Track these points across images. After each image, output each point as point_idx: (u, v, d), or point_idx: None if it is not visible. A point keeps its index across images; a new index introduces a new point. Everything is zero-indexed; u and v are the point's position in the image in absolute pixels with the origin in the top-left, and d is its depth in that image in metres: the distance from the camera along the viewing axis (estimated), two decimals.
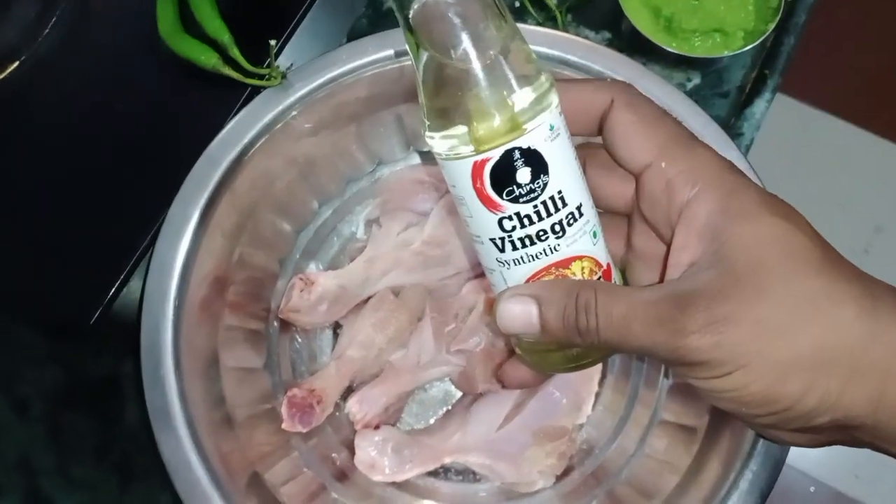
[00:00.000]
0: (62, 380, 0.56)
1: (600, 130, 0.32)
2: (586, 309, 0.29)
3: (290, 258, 0.55)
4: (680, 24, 0.57)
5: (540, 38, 0.47)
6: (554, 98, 0.29)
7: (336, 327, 0.56)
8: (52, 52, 0.53)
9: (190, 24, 0.49)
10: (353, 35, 0.61)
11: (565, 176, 0.29)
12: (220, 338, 0.49)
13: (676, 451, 0.48)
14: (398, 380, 0.52)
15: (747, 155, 0.57)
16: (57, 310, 0.51)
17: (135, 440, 0.55)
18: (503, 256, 0.30)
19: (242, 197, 0.49)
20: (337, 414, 0.53)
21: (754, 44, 0.55)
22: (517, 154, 0.28)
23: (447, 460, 0.52)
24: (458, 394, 0.55)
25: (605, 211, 0.34)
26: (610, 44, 0.61)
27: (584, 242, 0.30)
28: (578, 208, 0.29)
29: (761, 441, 0.43)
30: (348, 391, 0.53)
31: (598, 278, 0.31)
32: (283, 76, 0.47)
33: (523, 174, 0.28)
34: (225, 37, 0.47)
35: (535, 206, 0.29)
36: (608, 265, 0.31)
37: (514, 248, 0.29)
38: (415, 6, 0.28)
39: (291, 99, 0.47)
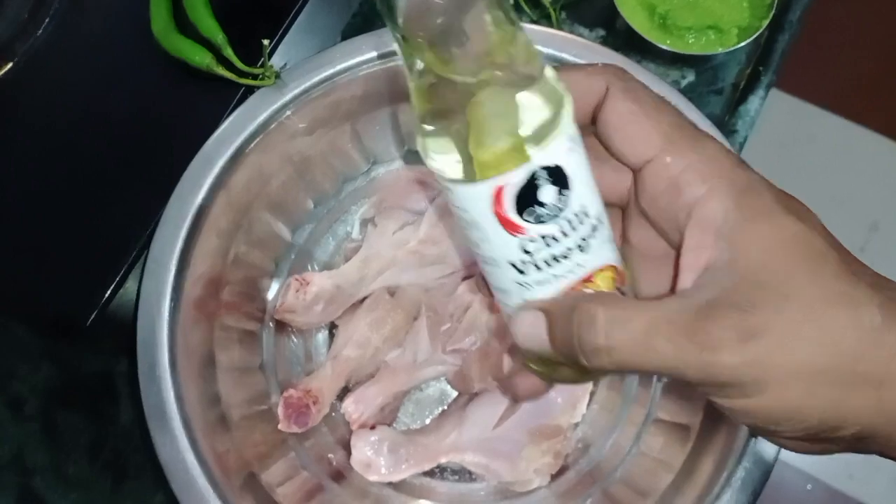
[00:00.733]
0: (57, 378, 0.56)
1: (593, 120, 0.29)
2: (591, 327, 0.26)
3: (286, 258, 0.55)
4: (675, 22, 0.57)
5: (534, 36, 0.47)
6: (568, 103, 0.26)
7: (332, 327, 0.56)
8: (45, 51, 0.53)
9: (183, 24, 0.49)
10: (348, 33, 0.61)
11: (585, 186, 0.27)
12: (215, 338, 0.49)
13: (671, 450, 0.48)
14: (394, 379, 0.52)
15: (742, 152, 0.57)
16: (53, 310, 0.51)
17: (129, 439, 0.55)
18: (524, 279, 0.28)
19: (237, 196, 0.49)
20: (333, 414, 0.53)
21: (748, 40, 0.55)
22: (539, 173, 0.25)
23: (443, 460, 0.52)
24: (454, 393, 0.55)
25: None
26: (604, 41, 0.61)
27: (606, 251, 0.28)
28: (598, 217, 0.27)
29: (753, 440, 0.43)
30: (344, 391, 0.53)
31: (618, 289, 0.29)
32: (278, 76, 0.47)
33: (547, 193, 0.26)
34: (218, 36, 0.47)
35: (560, 225, 0.26)
36: (622, 269, 0.29)
37: (538, 269, 0.27)
38: (402, 4, 0.25)
39: (286, 98, 0.47)
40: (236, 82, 0.47)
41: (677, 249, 0.28)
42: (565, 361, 0.28)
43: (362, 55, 0.48)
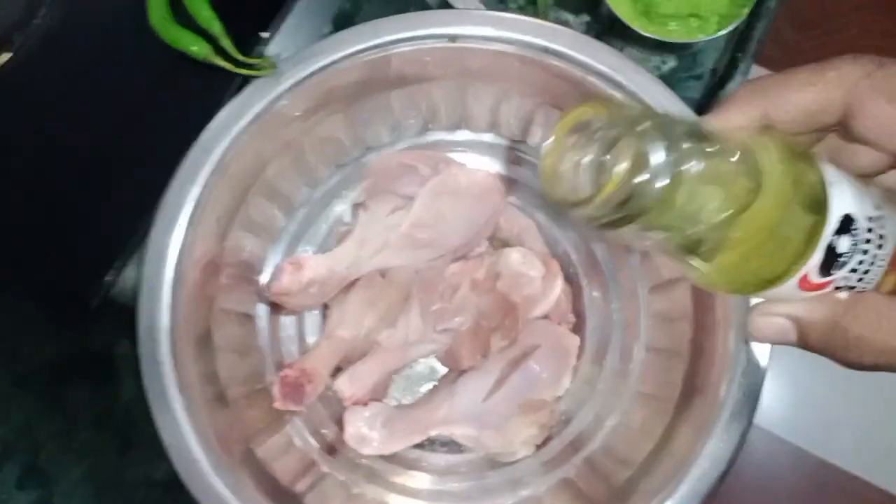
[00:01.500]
0: (62, 355, 0.58)
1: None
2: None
3: (280, 242, 0.57)
4: (657, 9, 0.58)
5: (526, 28, 0.48)
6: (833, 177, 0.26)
7: (325, 308, 0.58)
8: (44, 42, 0.53)
9: (181, 15, 0.49)
10: (338, 19, 0.62)
11: (860, 203, 0.26)
12: (213, 320, 0.51)
13: (650, 421, 0.51)
14: (386, 358, 0.54)
15: None
16: (60, 290, 0.53)
17: (130, 415, 0.57)
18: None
19: (235, 182, 0.50)
20: (327, 391, 0.56)
21: (729, 28, 0.57)
22: (833, 240, 0.26)
23: (433, 433, 0.54)
24: (444, 370, 0.58)
25: None
26: (589, 27, 0.62)
27: (892, 229, 0.28)
28: (871, 217, 0.27)
29: (729, 409, 0.45)
30: (337, 369, 0.55)
31: None
32: (274, 66, 0.48)
33: (843, 244, 0.26)
34: (216, 27, 0.48)
35: (860, 251, 0.27)
36: None
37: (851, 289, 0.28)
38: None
39: (282, 87, 0.48)
40: (233, 72, 0.48)
41: None
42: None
43: (355, 45, 0.49)
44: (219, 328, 0.51)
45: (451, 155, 0.58)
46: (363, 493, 0.54)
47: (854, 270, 0.27)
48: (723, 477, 0.45)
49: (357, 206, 0.57)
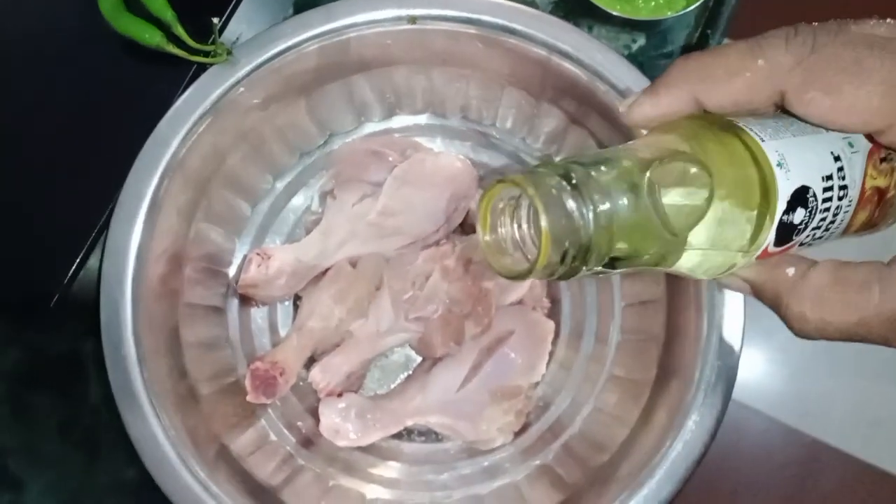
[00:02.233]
0: (24, 360, 0.56)
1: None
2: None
3: (247, 233, 0.56)
4: None
5: (484, 7, 0.47)
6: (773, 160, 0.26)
7: (296, 299, 0.57)
8: None
9: (132, 2, 0.48)
10: (301, 2, 0.60)
11: (813, 168, 0.27)
12: (180, 314, 0.50)
13: (626, 405, 0.50)
14: (359, 348, 0.53)
15: None
16: (15, 293, 0.52)
17: (99, 416, 0.56)
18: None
19: (194, 174, 0.49)
20: (300, 383, 0.55)
21: (697, 4, 0.56)
22: (783, 218, 0.26)
23: (409, 422, 0.53)
24: (419, 358, 0.57)
25: None
26: (557, 6, 0.61)
27: (858, 170, 0.28)
28: (829, 176, 0.27)
29: (704, 391, 0.45)
30: (311, 361, 0.55)
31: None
32: (229, 52, 0.46)
33: (798, 217, 0.27)
34: (168, 14, 0.46)
35: (818, 213, 0.27)
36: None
37: (817, 239, 0.28)
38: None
39: (239, 74, 0.47)
40: (188, 60, 0.47)
41: None
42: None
43: (313, 29, 0.47)
44: (186, 322, 0.51)
45: (420, 140, 0.57)
46: (340, 485, 0.53)
47: (816, 228, 0.27)
48: (700, 458, 0.45)
49: (324, 195, 0.56)
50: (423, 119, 0.57)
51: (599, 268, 0.25)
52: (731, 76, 0.26)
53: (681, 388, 0.46)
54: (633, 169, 0.25)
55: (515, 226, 0.26)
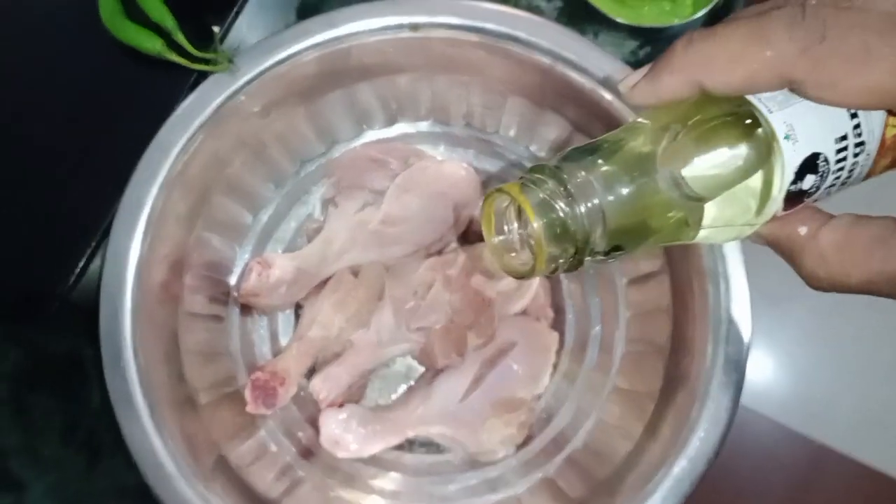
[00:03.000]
0: (26, 362, 0.56)
1: None
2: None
3: (248, 241, 0.55)
4: None
5: (486, 15, 0.47)
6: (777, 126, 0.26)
7: (297, 307, 0.56)
8: None
9: (133, 9, 0.48)
10: (303, 9, 0.60)
11: (821, 137, 0.26)
12: (180, 323, 0.50)
13: (630, 418, 0.49)
14: (360, 358, 0.52)
15: None
16: (17, 297, 0.52)
17: (101, 420, 0.56)
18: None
19: (195, 182, 0.49)
20: (301, 393, 0.54)
21: (703, 11, 0.55)
22: (793, 184, 0.26)
23: (411, 433, 0.53)
24: (421, 369, 0.56)
25: None
26: (562, 12, 0.60)
27: (877, 122, 0.27)
28: (843, 136, 0.26)
29: (708, 407, 0.44)
30: (311, 370, 0.54)
31: None
32: (230, 60, 0.46)
33: (808, 183, 0.26)
34: (169, 21, 0.46)
35: (831, 174, 0.27)
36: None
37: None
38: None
39: (240, 82, 0.47)
40: (189, 68, 0.46)
41: None
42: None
43: (315, 37, 0.47)
44: (186, 331, 0.50)
45: (422, 147, 0.56)
46: (341, 497, 0.52)
47: (831, 186, 0.27)
48: (704, 474, 0.44)
49: (326, 202, 0.56)
50: (425, 126, 0.56)
51: (605, 255, 0.26)
52: (734, 64, 0.25)
53: (686, 401, 0.45)
54: (641, 148, 0.26)
55: (519, 226, 0.27)
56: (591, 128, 0.50)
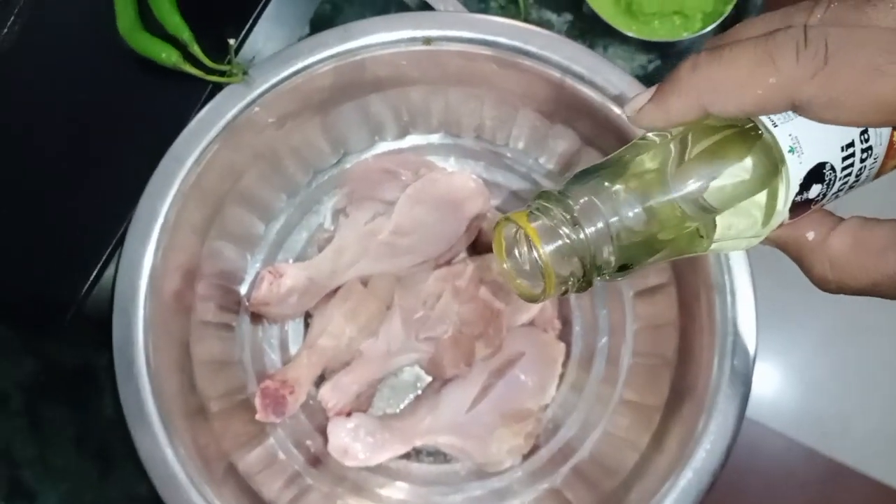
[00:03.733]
0: (40, 373, 0.57)
1: None
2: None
3: (260, 250, 0.56)
4: (640, 7, 0.57)
5: (499, 29, 0.47)
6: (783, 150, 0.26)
7: (307, 316, 0.57)
8: (11, 52, 0.53)
9: (150, 21, 0.48)
10: (317, 20, 0.61)
11: (827, 147, 0.26)
12: (191, 332, 0.50)
13: (637, 429, 0.50)
14: (369, 367, 0.53)
15: None
16: (32, 307, 0.52)
17: (113, 429, 0.56)
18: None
19: (209, 192, 0.49)
20: (310, 401, 0.55)
21: (713, 25, 0.56)
22: (797, 198, 0.26)
23: (418, 443, 0.53)
24: (429, 378, 0.57)
25: None
26: (572, 26, 0.61)
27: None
28: (850, 143, 0.26)
29: (714, 419, 0.44)
30: (321, 379, 0.55)
31: None
32: (245, 72, 0.47)
33: (814, 192, 0.26)
34: (185, 33, 0.47)
35: (837, 181, 0.27)
36: None
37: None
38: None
39: (254, 94, 0.47)
40: (204, 79, 0.47)
41: None
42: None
43: (329, 49, 0.48)
44: (198, 340, 0.51)
45: (433, 159, 0.57)
46: None
47: (838, 191, 0.27)
48: (710, 486, 0.44)
49: (337, 213, 0.56)
50: (436, 138, 0.57)
51: (615, 274, 0.26)
52: (741, 89, 0.25)
53: (692, 413, 0.46)
54: (649, 165, 0.26)
55: (528, 252, 0.27)
56: (601, 141, 0.50)
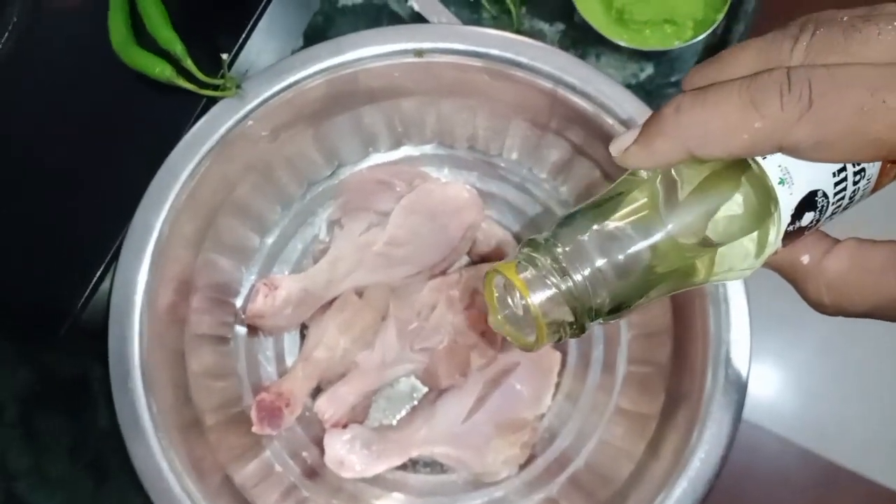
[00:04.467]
0: (35, 383, 0.57)
1: None
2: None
3: (255, 262, 0.56)
4: (631, 16, 0.58)
5: (490, 41, 0.47)
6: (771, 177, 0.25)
7: (303, 328, 0.57)
8: (5, 66, 0.53)
9: (142, 36, 0.49)
10: (310, 32, 0.61)
11: (819, 175, 0.26)
12: (187, 344, 0.50)
13: (632, 438, 0.50)
14: (364, 379, 0.53)
15: None
16: (27, 319, 0.52)
17: (108, 441, 0.56)
18: None
19: (203, 204, 0.49)
20: (306, 413, 0.55)
21: (704, 34, 0.56)
22: (790, 227, 0.26)
23: (415, 454, 0.53)
24: (425, 389, 0.57)
25: None
26: (564, 35, 0.61)
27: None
28: (842, 168, 0.26)
29: (709, 428, 0.44)
30: (317, 390, 0.55)
31: None
32: (238, 86, 0.47)
33: (806, 220, 0.26)
34: (178, 48, 0.47)
35: (831, 207, 0.26)
36: None
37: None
38: None
39: (248, 107, 0.48)
40: (198, 93, 0.47)
41: None
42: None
43: (322, 62, 0.48)
44: (193, 352, 0.51)
45: (427, 169, 0.57)
46: None
47: (832, 215, 0.27)
48: (705, 495, 0.44)
49: (332, 224, 0.57)
50: (430, 149, 0.57)
51: (609, 315, 0.26)
52: (726, 135, 0.24)
53: (687, 422, 0.46)
54: (639, 204, 0.26)
55: (512, 315, 0.27)
56: (593, 150, 0.51)
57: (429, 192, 0.54)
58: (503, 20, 0.61)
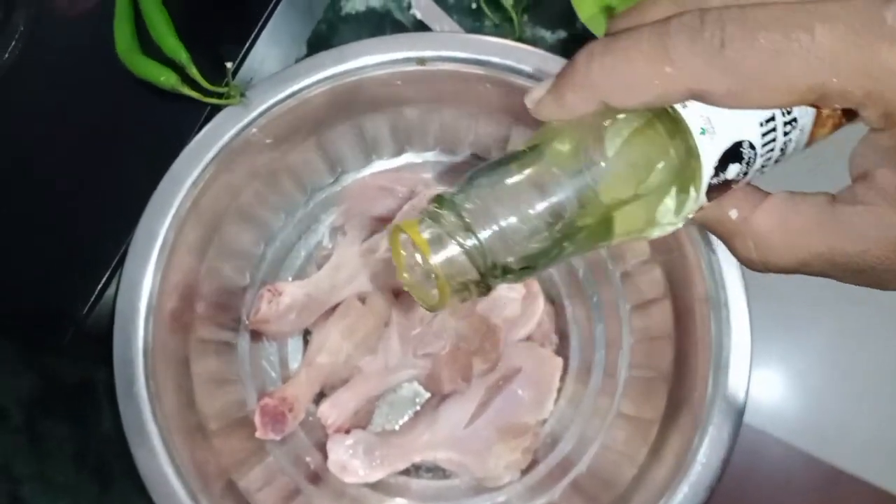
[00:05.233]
0: (39, 388, 0.57)
1: None
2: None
3: (258, 269, 0.56)
4: None
5: (491, 49, 0.48)
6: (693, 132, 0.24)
7: (306, 333, 0.57)
8: (12, 74, 0.53)
9: (148, 44, 0.49)
10: (314, 41, 0.62)
11: (744, 126, 0.24)
12: (191, 350, 0.51)
13: (634, 443, 0.50)
14: (367, 384, 0.53)
15: None
16: (33, 321, 0.53)
17: (112, 445, 0.56)
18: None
19: (208, 212, 0.50)
20: (309, 418, 0.55)
21: None
22: (713, 181, 0.24)
23: (417, 459, 0.54)
24: (427, 394, 0.57)
25: None
26: (566, 43, 0.62)
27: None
28: (770, 118, 0.25)
29: (710, 433, 0.45)
30: (320, 395, 0.55)
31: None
32: (243, 94, 0.47)
33: (731, 172, 0.25)
34: (182, 56, 0.47)
35: (760, 164, 0.25)
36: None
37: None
38: None
39: (252, 115, 0.48)
40: (202, 101, 0.48)
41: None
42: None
43: (325, 70, 0.48)
44: (197, 358, 0.51)
45: (428, 176, 0.57)
46: None
47: (762, 167, 0.26)
48: (706, 499, 0.45)
49: (335, 231, 0.57)
50: (432, 156, 0.57)
51: (519, 273, 0.24)
52: (637, 83, 0.23)
53: (688, 427, 0.46)
54: (553, 158, 0.24)
55: (414, 274, 0.26)
56: None
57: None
58: (505, 28, 0.62)
